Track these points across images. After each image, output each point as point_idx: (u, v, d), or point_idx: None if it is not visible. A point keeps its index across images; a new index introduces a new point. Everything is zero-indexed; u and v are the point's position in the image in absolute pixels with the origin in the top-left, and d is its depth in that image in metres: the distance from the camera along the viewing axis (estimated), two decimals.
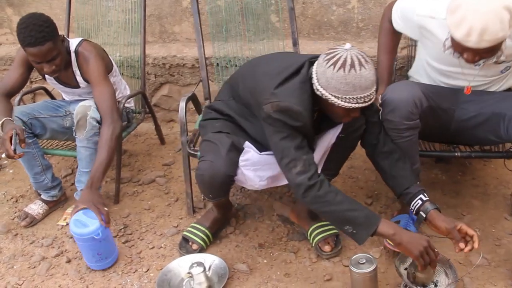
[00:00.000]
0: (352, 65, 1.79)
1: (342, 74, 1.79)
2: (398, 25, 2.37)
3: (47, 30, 2.36)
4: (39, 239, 2.66)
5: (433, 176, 2.86)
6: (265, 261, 2.39)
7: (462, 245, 1.96)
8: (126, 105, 2.95)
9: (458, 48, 1.97)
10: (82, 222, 2.27)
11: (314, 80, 1.90)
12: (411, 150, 2.24)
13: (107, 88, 2.56)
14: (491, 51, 1.93)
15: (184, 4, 3.53)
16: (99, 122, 2.55)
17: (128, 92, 3.03)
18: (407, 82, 2.43)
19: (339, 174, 2.86)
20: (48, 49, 2.38)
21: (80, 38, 2.67)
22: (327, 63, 1.83)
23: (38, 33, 2.32)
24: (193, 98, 2.79)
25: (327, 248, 2.35)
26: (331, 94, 1.85)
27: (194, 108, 2.97)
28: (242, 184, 2.24)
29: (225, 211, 2.56)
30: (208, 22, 3.02)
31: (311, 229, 2.41)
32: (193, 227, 2.50)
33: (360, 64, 1.80)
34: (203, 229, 2.48)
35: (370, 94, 1.85)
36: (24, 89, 2.80)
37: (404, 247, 1.93)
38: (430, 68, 2.34)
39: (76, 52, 2.61)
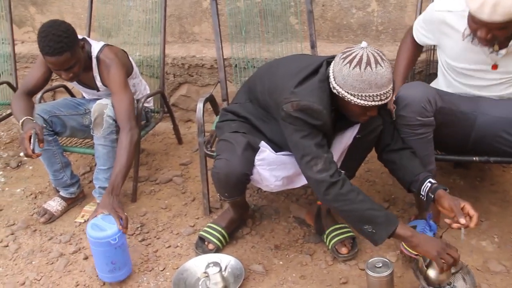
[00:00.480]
0: (368, 63, 1.81)
1: (358, 72, 1.81)
2: (418, 33, 2.40)
3: (66, 41, 2.37)
4: (57, 236, 2.69)
5: (451, 182, 2.83)
6: (281, 262, 2.39)
7: (462, 220, 1.94)
8: (145, 104, 2.97)
9: (473, 25, 2.00)
10: (100, 227, 2.24)
11: (331, 79, 1.92)
12: (425, 149, 2.23)
13: (126, 96, 2.56)
14: (504, 29, 1.95)
15: (204, 5, 3.55)
16: (114, 119, 2.58)
17: (148, 92, 3.05)
18: (422, 82, 2.45)
19: (356, 177, 2.85)
20: (66, 59, 2.40)
21: (102, 43, 2.67)
22: (343, 61, 1.85)
23: (57, 43, 2.34)
24: (210, 99, 2.80)
25: (344, 250, 2.34)
26: (347, 92, 1.86)
27: (211, 109, 2.98)
28: (258, 184, 2.25)
29: (241, 212, 2.57)
30: (227, 23, 3.03)
31: (328, 231, 2.41)
32: (209, 227, 2.51)
33: (376, 62, 1.81)
34: (220, 229, 2.49)
35: (387, 92, 1.86)
36: (45, 87, 2.83)
37: (422, 249, 1.93)
38: (450, 70, 2.34)
39: (97, 58, 2.62)
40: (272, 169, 2.17)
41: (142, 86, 3.02)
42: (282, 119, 2.01)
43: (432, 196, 2.05)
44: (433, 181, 2.09)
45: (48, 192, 3.08)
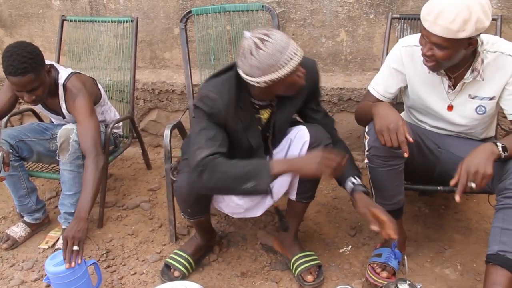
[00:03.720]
0: (257, 46, 1.88)
1: (264, 53, 1.88)
2: (381, 86, 2.36)
3: (30, 62, 2.34)
4: (19, 262, 2.63)
5: (416, 209, 2.88)
6: None
7: (373, 227, 1.97)
8: (114, 130, 2.96)
9: (421, 39, 2.04)
10: (59, 259, 2.23)
11: (250, 79, 1.97)
12: (396, 179, 2.24)
13: (91, 124, 2.53)
14: (445, 49, 1.96)
15: (175, 32, 3.57)
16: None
17: (117, 117, 3.04)
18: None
19: (323, 204, 2.88)
20: (29, 80, 2.36)
21: (70, 71, 2.65)
22: (244, 59, 1.93)
23: (21, 63, 2.31)
24: (178, 126, 2.80)
25: (309, 278, 2.34)
26: (271, 73, 1.92)
27: (180, 135, 2.98)
28: (220, 203, 2.29)
29: (208, 238, 2.56)
30: (197, 49, 3.05)
31: (294, 258, 2.41)
32: (175, 253, 2.49)
33: (262, 40, 1.89)
34: (186, 256, 2.47)
35: (295, 48, 1.92)
36: (13, 110, 2.79)
37: (304, 170, 1.93)
38: (414, 112, 2.40)
39: (64, 86, 2.59)
40: None
41: (112, 113, 3.00)
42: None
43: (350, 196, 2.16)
44: (354, 180, 2.16)
45: (11, 217, 3.02)
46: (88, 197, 2.38)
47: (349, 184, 2.16)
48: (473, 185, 1.90)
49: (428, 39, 1.97)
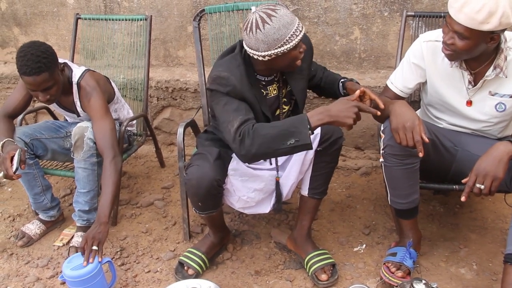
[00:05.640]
0: (264, 20, 1.96)
1: (269, 27, 1.95)
2: (400, 81, 2.35)
3: (44, 61, 2.35)
4: (35, 260, 2.65)
5: (431, 208, 2.86)
6: None
7: (357, 92, 2.02)
8: (128, 127, 2.97)
9: (444, 28, 2.03)
10: (76, 264, 2.24)
11: (254, 52, 2.04)
12: (411, 178, 2.23)
13: (107, 123, 2.54)
14: (465, 39, 1.95)
15: (189, 30, 3.57)
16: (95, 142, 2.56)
17: (131, 115, 3.05)
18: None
19: (337, 203, 2.88)
20: (43, 79, 2.38)
21: (84, 68, 2.66)
22: (250, 33, 2.00)
23: (35, 63, 2.32)
24: (192, 124, 2.81)
25: (323, 277, 2.34)
26: (276, 48, 1.99)
27: (193, 133, 2.98)
28: (231, 197, 2.31)
29: (222, 236, 2.57)
30: (210, 47, 3.05)
31: (308, 257, 2.41)
32: (189, 251, 2.49)
33: (269, 15, 1.96)
34: (200, 254, 2.47)
35: (297, 24, 2.01)
36: (27, 109, 2.81)
37: (341, 120, 1.95)
38: (432, 109, 2.37)
39: (78, 84, 2.61)
40: (244, 180, 2.25)
41: (125, 111, 3.01)
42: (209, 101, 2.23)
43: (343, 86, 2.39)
44: (344, 80, 2.42)
45: (26, 214, 3.04)
46: (108, 201, 2.38)
47: (340, 85, 2.42)
48: (482, 187, 1.89)
49: (451, 27, 1.97)
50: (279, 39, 1.97)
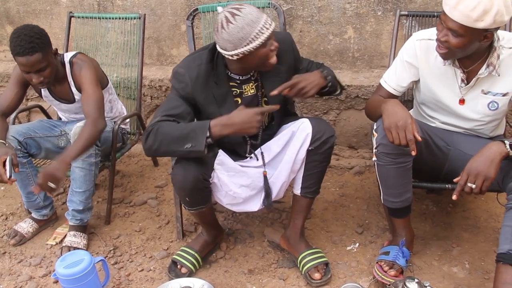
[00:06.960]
0: (228, 20, 1.97)
1: (233, 27, 1.96)
2: (393, 80, 2.35)
3: (37, 42, 2.38)
4: (27, 258, 2.64)
5: (424, 207, 2.87)
6: (254, 287, 2.38)
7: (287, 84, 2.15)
8: (122, 126, 2.97)
9: (439, 25, 2.04)
10: (69, 263, 2.23)
11: (225, 52, 2.05)
12: (404, 177, 2.23)
13: (96, 92, 2.57)
14: (459, 36, 1.96)
15: (182, 28, 3.57)
16: (95, 144, 2.56)
17: (125, 113, 3.05)
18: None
19: (330, 202, 2.88)
20: (37, 59, 2.40)
21: (76, 51, 2.71)
22: (216, 32, 2.03)
23: (28, 43, 2.35)
24: None
25: (317, 276, 2.34)
26: (242, 47, 2.00)
27: None
28: (218, 192, 2.30)
29: (215, 235, 2.57)
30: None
31: (301, 256, 2.41)
32: (183, 250, 2.49)
33: (233, 14, 1.97)
34: (193, 252, 2.47)
35: (265, 19, 2.00)
36: (20, 107, 2.80)
37: (243, 131, 2.05)
38: (425, 108, 2.38)
39: (70, 62, 2.65)
40: (231, 175, 2.26)
41: (119, 105, 3.02)
42: None
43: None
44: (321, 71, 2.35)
45: (19, 213, 3.04)
46: (78, 147, 2.43)
47: None
48: (473, 186, 1.90)
49: (445, 25, 1.98)
50: (244, 38, 1.97)
